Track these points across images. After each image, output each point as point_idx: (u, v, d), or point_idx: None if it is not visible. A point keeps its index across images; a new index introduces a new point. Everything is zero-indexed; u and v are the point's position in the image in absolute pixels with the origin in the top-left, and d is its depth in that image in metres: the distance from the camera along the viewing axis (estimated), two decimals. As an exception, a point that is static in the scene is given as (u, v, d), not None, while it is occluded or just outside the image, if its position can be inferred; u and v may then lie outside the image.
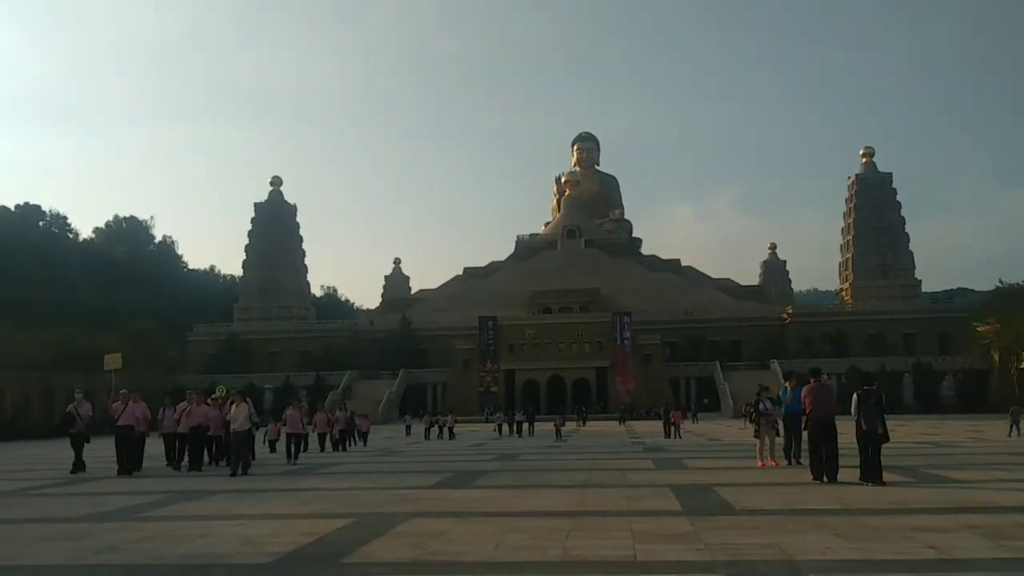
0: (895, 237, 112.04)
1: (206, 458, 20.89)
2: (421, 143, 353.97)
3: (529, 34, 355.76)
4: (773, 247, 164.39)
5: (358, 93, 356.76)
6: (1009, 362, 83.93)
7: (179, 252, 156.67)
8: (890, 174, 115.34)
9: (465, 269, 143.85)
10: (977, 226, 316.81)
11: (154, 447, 21.79)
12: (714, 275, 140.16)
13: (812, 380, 14.84)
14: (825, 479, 13.94)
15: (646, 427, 51.09)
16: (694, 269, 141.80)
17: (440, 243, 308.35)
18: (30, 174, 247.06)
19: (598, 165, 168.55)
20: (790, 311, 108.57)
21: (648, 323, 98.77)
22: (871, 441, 13.49)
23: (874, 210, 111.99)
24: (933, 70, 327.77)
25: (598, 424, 61.37)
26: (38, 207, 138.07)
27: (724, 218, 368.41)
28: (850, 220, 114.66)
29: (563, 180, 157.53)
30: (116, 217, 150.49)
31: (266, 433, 28.47)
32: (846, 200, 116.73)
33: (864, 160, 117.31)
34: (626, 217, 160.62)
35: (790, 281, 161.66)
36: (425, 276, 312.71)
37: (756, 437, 18.44)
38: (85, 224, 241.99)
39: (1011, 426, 32.32)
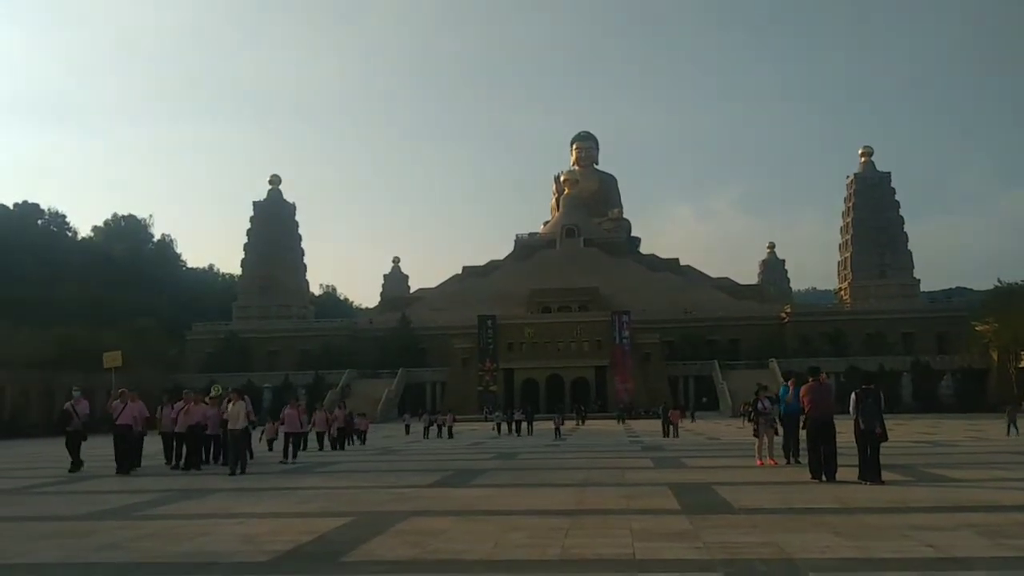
0: (894, 236, 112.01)
1: (203, 457, 20.86)
2: (420, 142, 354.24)
3: (528, 34, 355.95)
4: (772, 246, 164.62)
5: (357, 92, 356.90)
6: (1007, 361, 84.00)
7: (178, 251, 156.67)
8: (889, 173, 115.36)
9: (464, 268, 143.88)
10: (975, 225, 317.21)
11: (152, 446, 21.79)
12: (713, 274, 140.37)
13: (811, 379, 14.86)
14: (824, 478, 13.95)
15: (645, 426, 51.12)
16: (693, 268, 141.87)
17: (439, 242, 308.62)
18: (29, 173, 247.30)
19: (597, 164, 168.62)
20: (789, 310, 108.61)
21: (647, 322, 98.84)
22: (870, 440, 13.51)
23: (873, 209, 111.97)
24: (932, 70, 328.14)
25: (597, 423, 61.41)
26: (37, 206, 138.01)
27: (723, 217, 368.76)
28: (849, 219, 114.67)
29: (562, 179, 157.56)
30: (115, 216, 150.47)
31: (263, 432, 28.45)
32: (845, 199, 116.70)
33: (863, 159, 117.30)
34: (625, 216, 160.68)
35: (789, 280, 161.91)
36: (424, 275, 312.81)
37: (755, 436, 18.46)
38: (84, 223, 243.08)
39: (1008, 425, 32.36)
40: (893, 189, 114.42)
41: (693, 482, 14.45)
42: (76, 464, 19.98)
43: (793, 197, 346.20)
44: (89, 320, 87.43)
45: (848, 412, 13.85)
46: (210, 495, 14.09)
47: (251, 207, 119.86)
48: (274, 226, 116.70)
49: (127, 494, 14.49)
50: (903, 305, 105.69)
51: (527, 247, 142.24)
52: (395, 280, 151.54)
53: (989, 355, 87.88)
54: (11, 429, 61.54)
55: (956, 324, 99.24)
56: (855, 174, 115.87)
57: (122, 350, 30.03)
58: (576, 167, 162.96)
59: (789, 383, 17.17)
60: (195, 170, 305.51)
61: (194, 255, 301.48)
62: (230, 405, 19.12)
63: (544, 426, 46.70)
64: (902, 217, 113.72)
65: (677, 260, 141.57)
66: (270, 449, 26.23)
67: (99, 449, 22.99)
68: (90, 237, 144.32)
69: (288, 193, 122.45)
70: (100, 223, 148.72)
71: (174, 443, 20.79)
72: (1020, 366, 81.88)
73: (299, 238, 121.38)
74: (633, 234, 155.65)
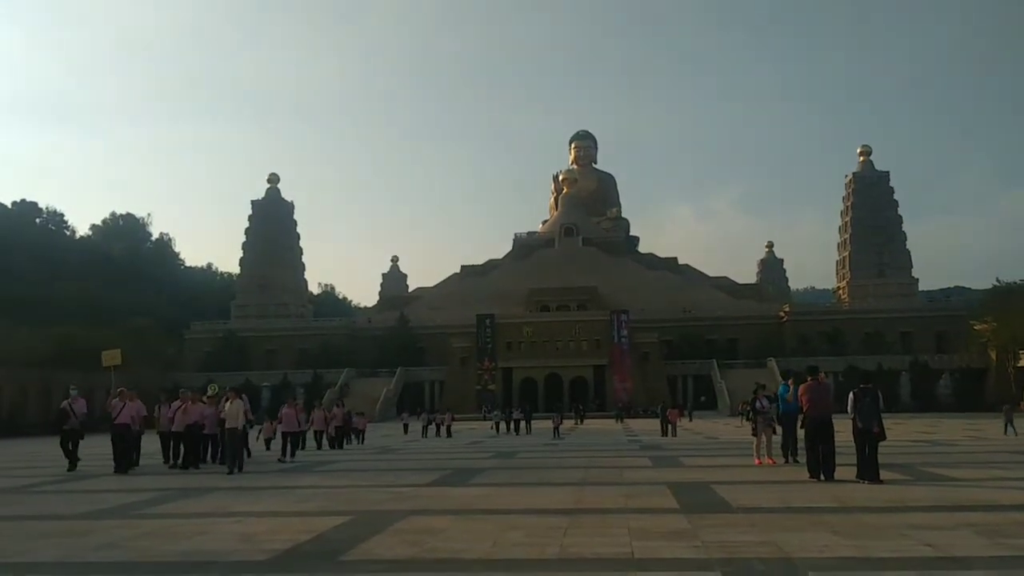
0: (892, 236, 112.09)
1: (202, 456, 20.84)
2: (419, 141, 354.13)
3: (528, 33, 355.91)
4: (770, 245, 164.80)
5: (356, 91, 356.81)
6: (1006, 360, 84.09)
7: (176, 249, 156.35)
8: (887, 173, 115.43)
9: (463, 267, 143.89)
10: (974, 225, 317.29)
11: (151, 445, 21.77)
12: (711, 274, 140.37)
13: (809, 378, 14.86)
14: (822, 477, 13.96)
15: (643, 425, 51.13)
16: (691, 267, 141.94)
17: (438, 241, 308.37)
18: (27, 171, 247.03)
19: (596, 163, 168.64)
20: (787, 309, 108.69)
21: (645, 321, 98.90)
22: (868, 439, 13.52)
23: (871, 209, 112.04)
24: (932, 70, 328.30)
25: (595, 422, 61.42)
26: (35, 204, 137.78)
27: (722, 217, 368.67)
28: (847, 219, 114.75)
29: (561, 178, 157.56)
30: (113, 214, 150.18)
31: (260, 431, 28.43)
32: (843, 199, 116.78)
33: (862, 159, 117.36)
34: (623, 216, 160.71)
35: (787, 280, 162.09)
36: (423, 274, 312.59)
37: (753, 435, 18.47)
38: (82, 221, 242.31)
39: (1006, 424, 32.42)
40: (892, 188, 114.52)
41: (691, 481, 14.46)
42: (73, 463, 19.92)
43: (792, 197, 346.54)
44: (87, 319, 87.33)
45: (846, 411, 13.86)
46: (208, 494, 14.09)
47: (249, 206, 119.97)
48: (272, 225, 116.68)
49: (125, 493, 14.49)
50: (901, 304, 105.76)
51: (526, 246, 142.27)
52: (394, 279, 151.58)
53: (987, 354, 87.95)
54: (9, 428, 61.52)
55: (954, 323, 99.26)
56: (854, 173, 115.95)
57: (120, 349, 30.00)
58: (575, 166, 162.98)
59: (789, 382, 17.19)
60: (194, 169, 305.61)
61: (192, 254, 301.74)
62: (227, 404, 19.11)
63: (542, 425, 46.71)
64: (901, 216, 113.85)
65: (676, 259, 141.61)
66: (267, 448, 26.22)
67: (97, 448, 22.97)
68: (88, 236, 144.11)
69: (287, 192, 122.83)
70: (98, 222, 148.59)
71: (171, 442, 20.78)
72: (1018, 365, 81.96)
73: (297, 237, 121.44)
74: (632, 233, 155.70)
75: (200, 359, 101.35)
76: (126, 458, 19.34)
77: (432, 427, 42.12)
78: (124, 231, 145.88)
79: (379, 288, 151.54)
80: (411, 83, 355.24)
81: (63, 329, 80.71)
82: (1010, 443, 26.14)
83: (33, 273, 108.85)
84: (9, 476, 19.92)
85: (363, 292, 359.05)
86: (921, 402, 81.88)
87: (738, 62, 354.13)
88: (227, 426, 18.66)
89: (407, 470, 19.01)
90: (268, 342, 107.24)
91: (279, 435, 24.38)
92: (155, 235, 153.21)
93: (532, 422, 45.67)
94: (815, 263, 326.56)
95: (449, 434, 40.53)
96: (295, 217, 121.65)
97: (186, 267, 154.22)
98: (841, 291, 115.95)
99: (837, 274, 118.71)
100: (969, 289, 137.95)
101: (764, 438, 18.15)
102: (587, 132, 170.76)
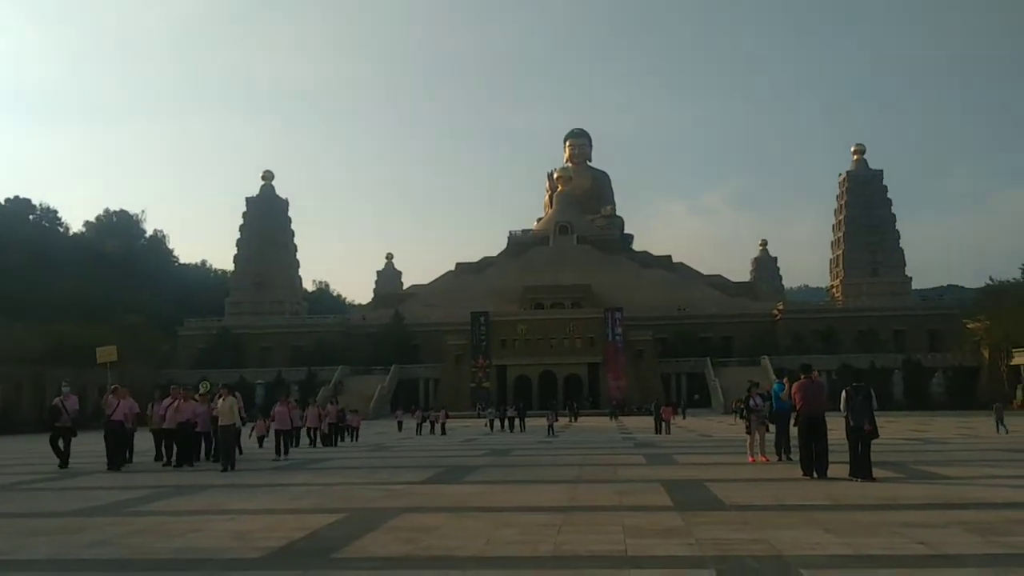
0: (886, 234, 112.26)
1: (197, 454, 20.80)
2: (414, 138, 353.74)
3: (522, 31, 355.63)
4: (764, 243, 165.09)
5: (351, 89, 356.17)
6: (998, 359, 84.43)
7: (170, 246, 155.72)
8: (881, 171, 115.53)
9: (457, 264, 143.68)
10: (967, 224, 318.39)
11: (145, 442, 21.72)
12: (706, 272, 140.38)
13: (803, 376, 14.89)
14: (815, 475, 14.00)
15: (637, 423, 51.19)
16: (686, 265, 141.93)
17: (432, 238, 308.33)
18: (20, 168, 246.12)
19: (590, 161, 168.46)
20: (781, 308, 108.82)
21: (640, 319, 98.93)
22: (860, 437, 13.56)
23: (865, 207, 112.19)
24: (926, 69, 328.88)
25: (589, 420, 61.51)
26: (28, 201, 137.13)
27: (716, 215, 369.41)
28: (841, 217, 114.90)
29: (555, 176, 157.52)
30: (107, 211, 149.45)
31: (253, 428, 28.40)
32: (837, 197, 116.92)
33: (855, 157, 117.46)
34: (618, 213, 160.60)
35: (781, 278, 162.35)
36: (417, 271, 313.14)
37: (747, 433, 18.52)
38: (76, 218, 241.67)
39: (997, 423, 32.56)
40: (885, 187, 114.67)
41: (685, 479, 14.49)
42: (63, 461, 19.74)
43: (786, 195, 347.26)
44: (81, 316, 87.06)
45: (839, 409, 13.90)
46: (202, 491, 14.07)
47: (244, 203, 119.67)
48: (267, 222, 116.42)
49: (118, 490, 14.47)
50: (895, 303, 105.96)
51: (520, 244, 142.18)
52: (388, 276, 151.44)
53: (980, 353, 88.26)
54: (3, 425, 61.35)
55: (947, 322, 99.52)
56: (847, 172, 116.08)
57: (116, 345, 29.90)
58: (569, 164, 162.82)
59: (784, 380, 17.25)
60: (188, 166, 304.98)
61: (187, 251, 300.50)
62: (220, 401, 19.06)
63: (537, 423, 46.75)
64: (894, 215, 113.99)
65: (670, 257, 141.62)
66: (260, 446, 26.18)
67: (90, 445, 22.92)
68: (82, 233, 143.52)
69: (281, 189, 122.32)
70: (92, 219, 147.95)
71: (164, 440, 20.72)
72: (1011, 364, 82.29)
73: (292, 234, 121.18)
74: (626, 231, 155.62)
75: (194, 356, 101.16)
76: (119, 455, 19.29)
77: (426, 424, 42.11)
78: (118, 228, 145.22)
79: (374, 285, 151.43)
80: (406, 80, 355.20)
81: (57, 326, 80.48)
82: (1002, 441, 26.27)
83: (26, 270, 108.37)
84: (2, 473, 19.87)
85: (358, 289, 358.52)
86: (914, 400, 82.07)
87: (732, 61, 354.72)
88: (221, 423, 18.62)
89: (401, 468, 19.00)
90: (262, 339, 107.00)
91: (272, 433, 24.36)
92: (149, 232, 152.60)
93: (526, 420, 45.72)
94: (809, 261, 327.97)
95: (443, 432, 40.51)
96: (290, 214, 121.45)
97: (180, 264, 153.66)
98: (835, 289, 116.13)
99: (831, 272, 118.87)
100: (962, 288, 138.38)
101: (757, 436, 18.20)
102: (582, 130, 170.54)
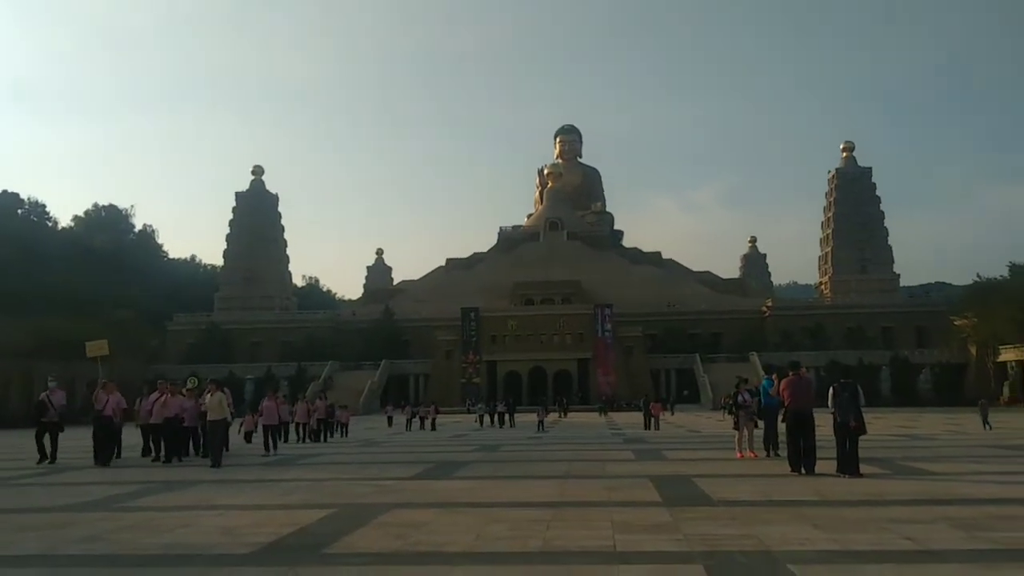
0: (874, 232, 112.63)
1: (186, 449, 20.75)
2: (405, 134, 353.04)
3: (513, 27, 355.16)
4: (753, 240, 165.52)
5: (341, 85, 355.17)
6: (985, 356, 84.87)
7: (160, 241, 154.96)
8: (870, 169, 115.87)
9: (448, 260, 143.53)
10: (955, 221, 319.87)
11: (131, 437, 21.65)
12: (695, 268, 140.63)
13: (791, 373, 14.95)
14: (803, 471, 14.06)
15: (626, 418, 51.30)
16: (675, 262, 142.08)
17: (423, 234, 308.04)
18: (8, 162, 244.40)
19: (581, 158, 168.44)
20: (770, 304, 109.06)
21: (629, 315, 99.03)
22: (847, 433, 13.63)
23: (853, 204, 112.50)
24: (915, 67, 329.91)
25: (579, 415, 61.56)
26: (17, 195, 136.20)
27: (706, 212, 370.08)
28: (830, 214, 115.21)
29: (546, 172, 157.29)
30: (96, 206, 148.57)
31: (241, 424, 28.33)
32: (826, 194, 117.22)
33: (844, 155, 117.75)
34: (608, 210, 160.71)
35: (770, 275, 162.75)
36: (408, 267, 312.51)
37: (735, 429, 18.58)
38: (64, 213, 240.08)
39: (983, 420, 32.77)
40: (874, 184, 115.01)
41: (674, 474, 14.53)
42: (43, 456, 19.54)
43: (775, 192, 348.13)
44: (69, 310, 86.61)
45: (827, 406, 13.97)
46: (191, 487, 14.04)
47: (234, 198, 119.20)
48: (257, 217, 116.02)
49: (107, 486, 14.43)
50: (883, 300, 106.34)
51: (510, 240, 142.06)
52: (378, 272, 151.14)
53: (967, 350, 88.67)
54: (-10, 420, 61.02)
55: (935, 319, 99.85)
56: (836, 169, 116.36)
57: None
58: (560, 160, 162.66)
59: (772, 377, 17.32)
60: (177, 161, 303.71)
61: (176, 246, 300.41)
62: (208, 396, 19.00)
63: (526, 418, 46.78)
64: (883, 212, 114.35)
65: (659, 254, 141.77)
66: (248, 442, 26.11)
67: (78, 440, 22.83)
68: (71, 227, 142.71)
69: (271, 184, 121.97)
70: (81, 213, 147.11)
71: (151, 435, 20.64)
72: (998, 361, 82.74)
73: (282, 229, 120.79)
74: (616, 227, 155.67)
75: (183, 351, 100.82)
76: (106, 450, 19.21)
77: (416, 420, 42.11)
78: (107, 222, 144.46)
79: (364, 281, 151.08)
80: (397, 76, 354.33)
81: (45, 321, 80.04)
82: (988, 437, 26.42)
83: (14, 264, 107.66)
84: (-11, 468, 19.77)
85: (348, 285, 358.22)
86: (901, 396, 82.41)
87: (723, 59, 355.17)
88: (210, 418, 18.57)
89: (391, 463, 19.01)
90: (252, 335, 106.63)
91: (260, 428, 24.30)
92: (138, 227, 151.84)
93: (516, 415, 45.73)
94: (798, 258, 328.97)
95: (433, 427, 40.54)
96: (279, 209, 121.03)
97: (169, 259, 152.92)
98: (823, 286, 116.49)
99: (819, 269, 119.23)
100: (950, 285, 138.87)
101: (746, 432, 18.27)
102: (572, 126, 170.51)
